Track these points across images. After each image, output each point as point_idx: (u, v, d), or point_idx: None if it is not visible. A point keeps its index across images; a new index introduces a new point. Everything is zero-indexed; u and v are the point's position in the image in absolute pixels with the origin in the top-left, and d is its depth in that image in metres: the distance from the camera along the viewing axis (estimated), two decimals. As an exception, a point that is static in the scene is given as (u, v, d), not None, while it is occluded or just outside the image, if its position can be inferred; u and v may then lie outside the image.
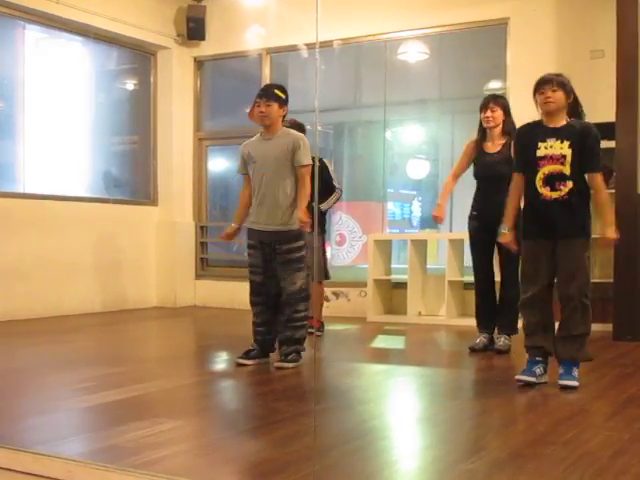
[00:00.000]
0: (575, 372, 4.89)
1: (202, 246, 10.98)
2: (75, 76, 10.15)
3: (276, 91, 5.70)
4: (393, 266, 9.45)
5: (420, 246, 8.98)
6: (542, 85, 4.94)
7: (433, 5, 9.10)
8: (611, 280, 7.30)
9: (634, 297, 7.12)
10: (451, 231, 10.58)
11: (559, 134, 4.89)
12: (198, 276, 10.85)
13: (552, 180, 4.86)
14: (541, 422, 4.11)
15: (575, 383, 4.84)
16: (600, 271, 7.92)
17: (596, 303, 7.88)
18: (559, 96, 4.91)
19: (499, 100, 6.37)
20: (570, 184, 4.85)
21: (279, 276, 5.68)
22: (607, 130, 7.46)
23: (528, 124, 5.15)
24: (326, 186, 7.25)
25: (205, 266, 10.97)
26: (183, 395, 4.92)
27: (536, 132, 4.97)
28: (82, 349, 6.94)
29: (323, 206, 7.30)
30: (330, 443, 3.60)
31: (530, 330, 5.04)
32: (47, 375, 5.48)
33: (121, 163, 11.17)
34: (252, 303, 5.81)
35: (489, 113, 6.29)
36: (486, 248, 6.41)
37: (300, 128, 7.06)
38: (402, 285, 8.92)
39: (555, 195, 4.86)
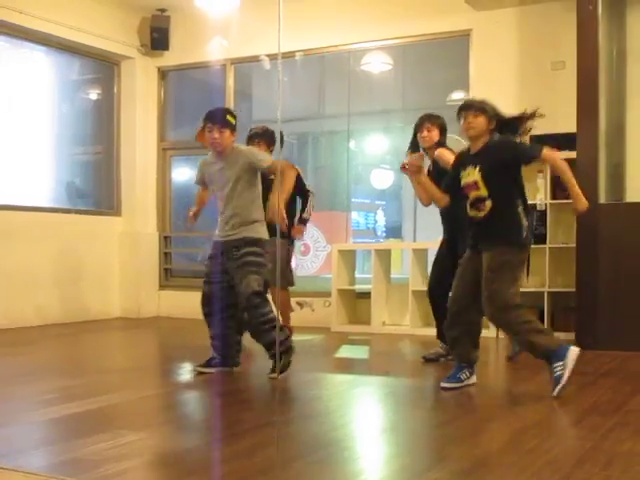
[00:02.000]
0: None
1: (166, 256, 10.94)
2: (38, 86, 10.09)
3: (228, 117, 5.71)
4: (357, 276, 9.47)
5: (384, 256, 9.00)
6: (464, 110, 5.06)
7: (396, 16, 9.14)
8: (573, 289, 7.36)
9: (596, 306, 7.18)
10: (415, 241, 10.63)
11: (475, 160, 5.08)
12: (162, 286, 10.80)
13: (476, 202, 5.08)
14: (504, 431, 4.13)
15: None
16: (562, 280, 7.99)
17: (558, 312, 8.00)
18: (480, 121, 5.02)
19: (435, 120, 6.24)
20: (489, 203, 5.03)
21: (235, 281, 5.65)
22: (568, 141, 7.56)
23: (462, 151, 5.34)
24: (301, 192, 7.31)
25: (169, 276, 10.93)
26: (146, 406, 4.89)
27: (462, 159, 5.21)
28: (44, 361, 6.88)
29: (305, 215, 7.37)
30: (293, 454, 3.59)
31: (454, 342, 5.28)
32: (7, 387, 5.42)
33: (84, 173, 11.11)
34: (205, 314, 5.76)
35: (425, 133, 6.18)
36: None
37: (271, 136, 7.11)
38: (366, 295, 8.94)
39: (481, 214, 5.08)
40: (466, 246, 5.28)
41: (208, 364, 5.75)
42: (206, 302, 5.75)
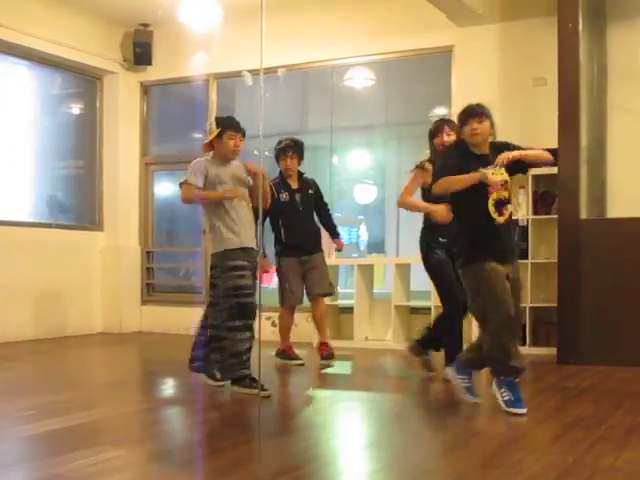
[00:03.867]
0: None
1: (148, 271, 10.91)
2: (20, 100, 10.06)
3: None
4: (340, 291, 9.46)
5: (367, 271, 9.01)
6: (468, 117, 4.97)
7: (379, 32, 9.18)
8: (555, 304, 7.39)
9: (577, 321, 7.20)
10: (397, 256, 10.65)
11: (493, 160, 4.89)
12: (144, 302, 10.76)
13: (499, 205, 4.90)
14: (486, 446, 4.13)
15: None
16: (544, 296, 8.01)
17: (540, 327, 8.02)
18: (485, 127, 4.95)
19: (453, 124, 6.04)
20: (510, 207, 4.96)
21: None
22: (550, 156, 7.60)
23: (458, 144, 5.16)
24: (317, 204, 7.52)
25: (151, 291, 10.89)
26: (128, 423, 4.87)
27: (473, 157, 4.98)
28: (25, 376, 6.84)
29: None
30: (276, 470, 3.58)
31: (511, 352, 4.88)
32: (-12, 403, 5.39)
33: (66, 188, 11.07)
34: (248, 327, 5.59)
35: (446, 137, 6.05)
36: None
37: (303, 149, 7.55)
38: (349, 310, 8.94)
39: (502, 219, 4.91)
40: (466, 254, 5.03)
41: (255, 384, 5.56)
42: (252, 314, 5.63)
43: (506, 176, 4.90)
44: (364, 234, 13.93)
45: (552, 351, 7.41)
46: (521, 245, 8.00)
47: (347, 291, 9.56)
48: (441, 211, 5.42)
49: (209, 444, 4.17)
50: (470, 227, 5.03)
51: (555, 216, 7.58)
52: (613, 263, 7.19)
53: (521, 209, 8.00)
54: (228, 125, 5.79)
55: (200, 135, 10.70)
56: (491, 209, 4.89)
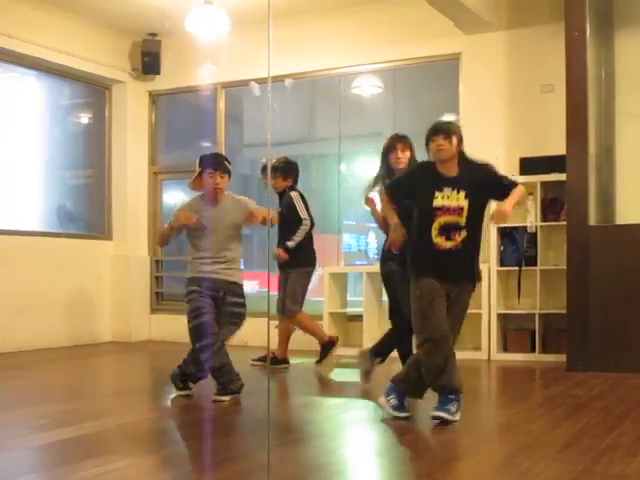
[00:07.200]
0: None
1: (157, 280, 10.92)
2: (29, 110, 10.10)
3: (226, 163, 5.92)
4: (349, 299, 9.46)
5: (375, 278, 8.97)
6: (434, 134, 4.92)
7: (387, 40, 9.20)
8: (564, 311, 7.38)
9: (587, 328, 7.19)
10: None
11: (455, 184, 4.87)
12: (153, 310, 10.77)
13: (448, 230, 4.85)
14: (496, 454, 4.13)
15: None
16: (553, 302, 8.00)
17: (549, 334, 8.01)
18: (451, 143, 4.88)
19: (406, 140, 6.15)
20: (464, 233, 4.85)
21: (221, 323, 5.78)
22: (558, 163, 7.61)
23: (426, 164, 5.11)
24: (293, 220, 7.43)
25: (160, 300, 10.90)
26: (138, 431, 4.87)
27: (432, 178, 4.94)
28: (35, 385, 6.85)
29: (290, 243, 7.45)
30: (285, 479, 3.58)
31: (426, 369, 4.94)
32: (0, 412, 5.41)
33: (75, 197, 11.11)
34: (205, 346, 5.76)
35: (400, 154, 6.05)
36: None
37: (290, 168, 7.63)
38: (358, 318, 8.93)
39: (449, 245, 4.85)
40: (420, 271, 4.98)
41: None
42: (204, 334, 5.72)
43: (462, 202, 4.84)
44: (373, 242, 13.91)
45: (561, 358, 7.40)
46: (530, 252, 8.03)
47: (356, 299, 9.55)
48: (395, 240, 5.35)
49: (218, 453, 4.17)
50: (415, 248, 5.06)
51: (564, 223, 7.57)
52: (622, 269, 7.18)
53: (530, 215, 8.00)
54: (205, 164, 5.84)
55: (208, 144, 10.74)
56: (434, 232, 4.85)
